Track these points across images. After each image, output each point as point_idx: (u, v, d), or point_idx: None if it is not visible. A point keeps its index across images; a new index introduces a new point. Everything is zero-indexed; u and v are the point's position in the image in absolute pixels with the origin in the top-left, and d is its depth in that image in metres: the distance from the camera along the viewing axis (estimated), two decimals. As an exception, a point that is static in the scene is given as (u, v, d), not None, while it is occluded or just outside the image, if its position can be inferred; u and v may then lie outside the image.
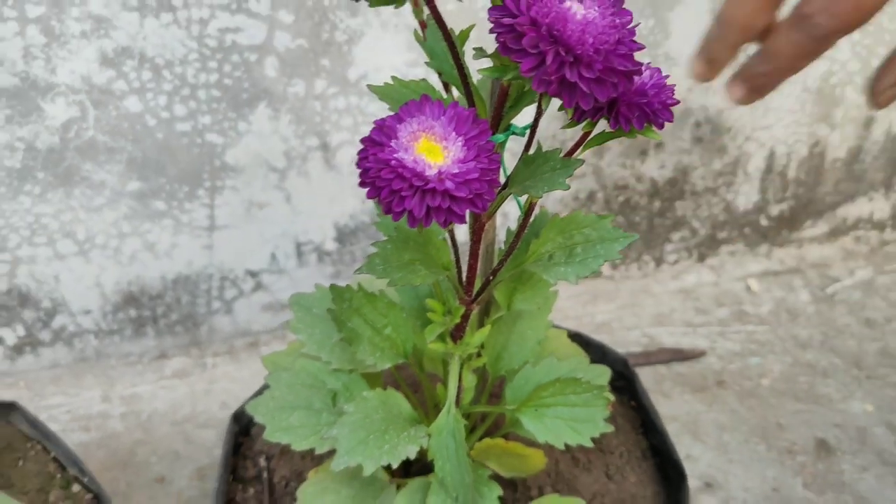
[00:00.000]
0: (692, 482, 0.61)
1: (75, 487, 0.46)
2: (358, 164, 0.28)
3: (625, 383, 0.51)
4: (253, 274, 0.70)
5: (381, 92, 0.31)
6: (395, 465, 0.36)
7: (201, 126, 0.61)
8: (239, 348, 0.73)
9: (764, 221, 0.83)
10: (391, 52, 0.62)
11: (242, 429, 0.49)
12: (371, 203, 0.69)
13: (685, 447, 0.63)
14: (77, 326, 0.68)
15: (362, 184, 0.28)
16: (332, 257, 0.71)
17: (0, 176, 0.59)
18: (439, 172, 0.27)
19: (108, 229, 0.64)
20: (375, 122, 0.29)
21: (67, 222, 0.63)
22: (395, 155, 0.27)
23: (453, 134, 0.28)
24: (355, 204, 0.69)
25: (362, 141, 0.28)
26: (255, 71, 0.60)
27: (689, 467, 0.58)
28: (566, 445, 0.48)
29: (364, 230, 0.71)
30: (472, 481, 0.36)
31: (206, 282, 0.69)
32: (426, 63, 0.32)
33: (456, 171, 0.27)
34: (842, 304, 0.79)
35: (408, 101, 0.29)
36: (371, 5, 0.32)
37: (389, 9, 0.56)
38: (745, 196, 0.80)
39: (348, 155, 0.66)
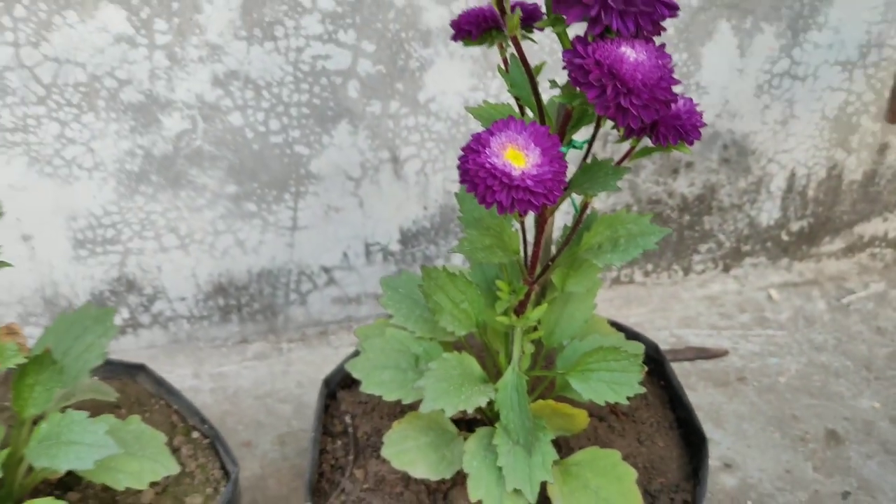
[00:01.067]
0: (713, 462, 0.69)
1: (195, 434, 0.55)
2: (459, 166, 0.37)
3: (655, 366, 0.60)
4: (326, 270, 0.79)
5: (476, 112, 0.40)
6: (469, 411, 0.44)
7: (291, 139, 0.71)
8: (310, 336, 0.82)
9: (785, 237, 0.90)
10: (456, 78, 0.71)
11: (330, 393, 0.58)
12: (431, 211, 0.79)
13: (707, 432, 0.71)
14: (173, 312, 0.78)
15: (462, 181, 0.37)
16: (395, 257, 0.80)
17: (121, 178, 0.70)
18: (522, 173, 0.36)
19: (206, 227, 0.74)
20: (472, 135, 0.38)
21: (172, 220, 0.73)
22: (489, 160, 0.36)
23: (532, 145, 0.37)
24: (418, 211, 0.78)
25: (463, 149, 0.37)
26: (339, 92, 0.70)
27: (710, 450, 0.66)
28: (603, 416, 0.57)
29: (424, 234, 0.80)
30: (531, 427, 0.45)
31: (285, 276, 0.79)
32: (508, 90, 0.42)
33: (535, 172, 0.36)
34: (855, 314, 0.87)
35: (496, 120, 0.38)
36: (465, 45, 0.42)
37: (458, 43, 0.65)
38: (768, 213, 0.88)
39: (414, 167, 0.75)
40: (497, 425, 0.46)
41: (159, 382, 0.57)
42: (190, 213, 0.73)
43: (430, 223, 0.79)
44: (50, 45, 0.62)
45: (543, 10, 0.40)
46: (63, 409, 0.44)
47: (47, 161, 0.67)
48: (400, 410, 0.57)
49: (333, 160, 0.73)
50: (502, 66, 0.42)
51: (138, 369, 0.58)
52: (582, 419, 0.50)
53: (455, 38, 0.42)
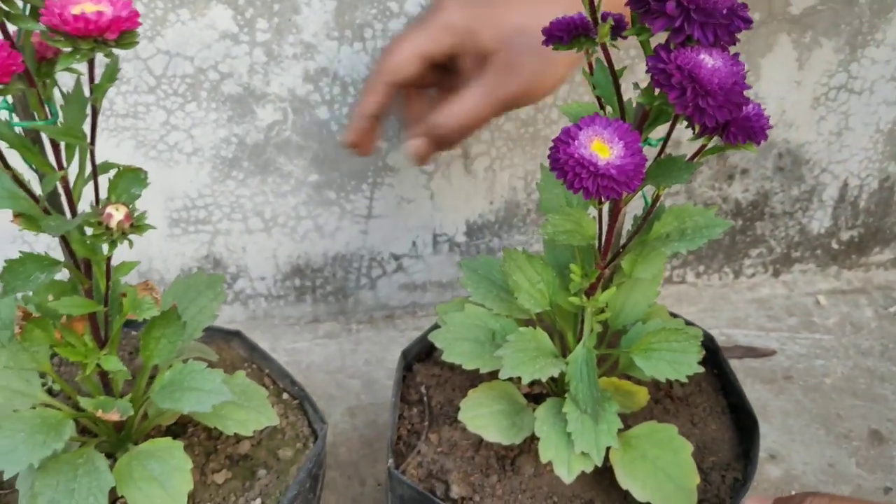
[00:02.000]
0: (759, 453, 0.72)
1: (284, 396, 0.61)
2: (551, 156, 0.42)
3: (709, 354, 0.63)
4: (396, 257, 0.85)
5: (566, 109, 0.45)
6: (543, 380, 0.49)
7: (371, 133, 0.77)
8: (378, 319, 0.87)
9: (835, 245, 0.93)
10: (528, 81, 0.76)
11: (407, 365, 0.63)
12: (496, 205, 0.83)
13: (754, 426, 0.75)
14: (253, 290, 0.84)
15: (552, 168, 0.42)
16: (460, 248, 0.85)
17: (216, 163, 0.76)
18: (607, 163, 0.41)
19: (289, 211, 0.80)
20: (563, 129, 0.42)
21: (259, 203, 0.79)
22: (578, 150, 0.41)
23: (616, 139, 0.42)
24: (484, 205, 0.83)
25: (554, 140, 0.42)
26: (419, 91, 0.75)
27: (757, 438, 0.70)
28: (659, 399, 0.61)
29: (488, 227, 0.85)
30: (599, 398, 0.49)
31: (357, 261, 0.84)
32: (592, 91, 0.46)
33: (618, 163, 0.41)
34: (902, 322, 0.89)
35: (584, 116, 0.42)
36: (554, 49, 0.47)
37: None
38: (819, 221, 0.91)
39: (483, 163, 0.80)
40: (567, 396, 0.50)
41: (252, 348, 0.63)
42: (275, 198, 0.79)
43: (495, 217, 0.84)
44: (163, 39, 0.69)
45: (627, 20, 0.45)
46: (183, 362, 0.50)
47: (152, 145, 0.74)
48: (470, 385, 0.61)
49: (409, 154, 0.78)
50: (586, 70, 0.47)
51: (234, 335, 0.64)
52: (643, 396, 0.54)
53: (546, 42, 0.46)
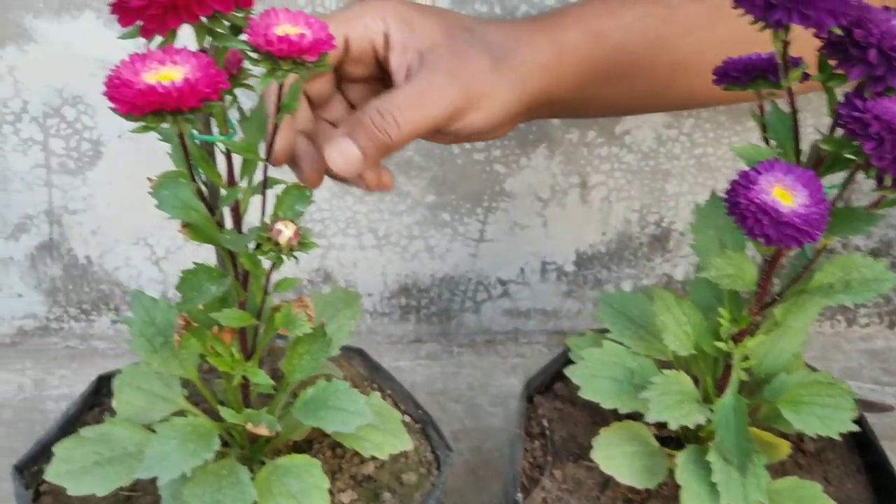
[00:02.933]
0: None
1: (406, 418, 0.60)
2: (728, 199, 0.41)
3: (843, 409, 0.61)
4: (502, 282, 0.84)
5: (740, 151, 0.44)
6: (691, 426, 0.48)
7: (492, 157, 0.76)
8: (479, 343, 0.87)
9: (957, 299, 0.89)
10: (654, 114, 0.75)
11: (528, 396, 0.62)
12: (608, 237, 0.82)
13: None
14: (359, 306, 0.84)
15: (730, 213, 0.41)
16: (568, 277, 0.84)
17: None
18: (791, 211, 0.40)
19: (402, 230, 0.80)
20: (739, 172, 0.41)
21: (374, 221, 0.79)
22: (759, 196, 0.40)
23: (799, 186, 0.40)
24: (596, 236, 0.82)
25: (732, 183, 0.41)
26: (544, 119, 0.74)
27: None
28: (793, 455, 0.59)
29: (599, 258, 0.84)
30: (748, 449, 0.48)
31: (464, 284, 0.84)
32: (763, 135, 0.45)
33: (802, 212, 0.40)
34: None
35: (761, 160, 0.41)
36: (725, 89, 0.46)
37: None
38: (943, 273, 0.87)
39: (600, 194, 0.79)
40: (710, 444, 0.49)
41: (375, 367, 0.63)
42: (391, 217, 0.79)
43: (606, 248, 0.83)
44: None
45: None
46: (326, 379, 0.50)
47: (278, 158, 0.75)
48: (592, 422, 0.60)
49: (527, 180, 0.78)
50: (756, 112, 0.46)
51: (355, 353, 0.64)
52: (784, 449, 0.52)
53: (718, 82, 0.45)
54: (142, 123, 0.35)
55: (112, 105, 0.35)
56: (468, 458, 0.74)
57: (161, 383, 0.52)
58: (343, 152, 0.47)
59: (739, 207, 0.40)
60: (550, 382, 0.64)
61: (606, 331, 0.59)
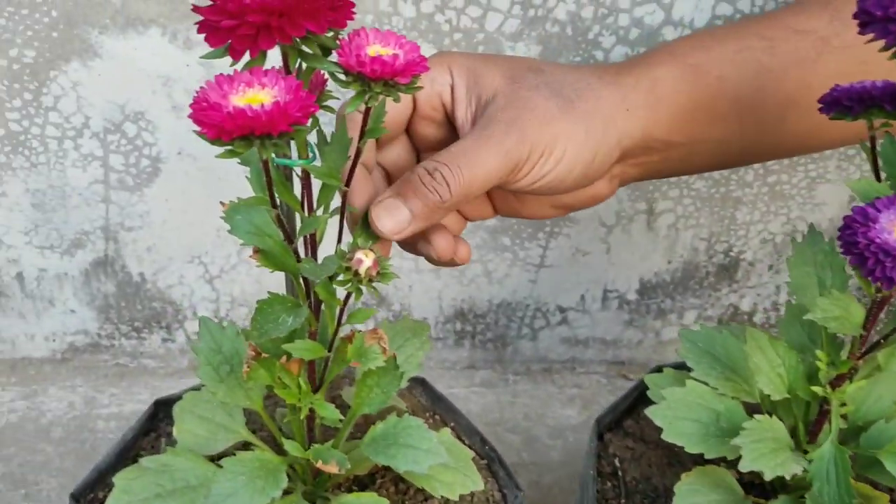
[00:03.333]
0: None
1: (471, 454, 0.58)
2: (843, 238, 0.38)
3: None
4: (562, 310, 0.81)
5: (855, 186, 0.41)
6: (787, 477, 0.45)
7: (556, 181, 0.74)
8: (535, 371, 0.84)
9: None
10: (728, 139, 0.72)
11: (598, 434, 0.59)
12: (674, 265, 0.79)
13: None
14: (413, 329, 0.82)
15: (846, 253, 0.38)
16: (630, 306, 0.81)
17: (396, 200, 0.75)
18: (915, 253, 0.37)
19: (461, 254, 0.78)
20: (854, 207, 0.38)
21: (432, 244, 0.77)
22: (881, 235, 0.37)
23: (922, 225, 0.37)
24: (661, 263, 0.79)
25: (847, 220, 0.38)
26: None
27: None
28: None
29: (663, 287, 0.81)
30: (849, 503, 0.44)
31: (522, 310, 0.81)
32: (873, 169, 0.42)
33: (927, 254, 0.37)
34: None
35: (879, 197, 0.38)
36: (833, 118, 0.43)
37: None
38: None
39: (667, 221, 0.76)
40: (807, 495, 0.46)
41: (437, 398, 0.60)
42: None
43: (671, 277, 0.80)
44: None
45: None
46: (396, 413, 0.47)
47: (338, 178, 0.73)
48: (667, 462, 0.57)
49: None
50: (867, 144, 0.43)
51: (417, 382, 0.62)
52: (883, 503, 0.49)
53: (826, 110, 0.43)
54: (227, 148, 0.33)
55: (198, 129, 0.33)
56: (528, 493, 0.71)
57: (224, 412, 0.50)
58: (391, 213, 0.43)
59: (858, 247, 0.37)
60: (620, 419, 0.61)
61: (683, 366, 0.56)
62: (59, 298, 0.79)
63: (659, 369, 0.58)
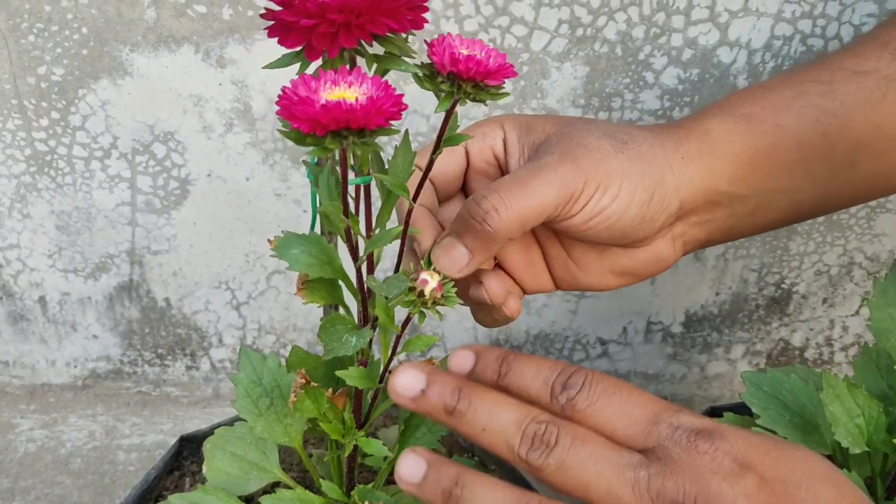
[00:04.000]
0: None
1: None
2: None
3: None
4: (602, 342, 0.78)
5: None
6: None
7: (600, 208, 0.71)
8: (573, 406, 0.80)
9: None
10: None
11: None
12: (722, 297, 0.75)
13: None
14: (446, 360, 0.79)
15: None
16: (674, 339, 0.78)
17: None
18: None
19: (498, 283, 0.74)
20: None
21: (469, 272, 0.74)
22: None
23: None
24: (709, 295, 0.75)
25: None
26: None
27: None
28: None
29: (709, 320, 0.77)
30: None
31: (560, 342, 0.78)
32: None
33: None
34: None
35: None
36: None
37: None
38: None
39: (716, 251, 0.73)
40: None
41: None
42: (486, 268, 0.74)
43: (718, 310, 0.76)
44: (404, 95, 0.65)
45: None
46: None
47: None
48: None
49: (637, 234, 0.72)
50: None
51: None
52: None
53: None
54: (317, 146, 0.31)
55: (287, 126, 0.31)
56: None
57: (257, 450, 0.47)
58: (448, 252, 0.41)
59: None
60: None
61: (742, 408, 0.52)
62: (82, 323, 0.76)
63: (716, 413, 0.54)
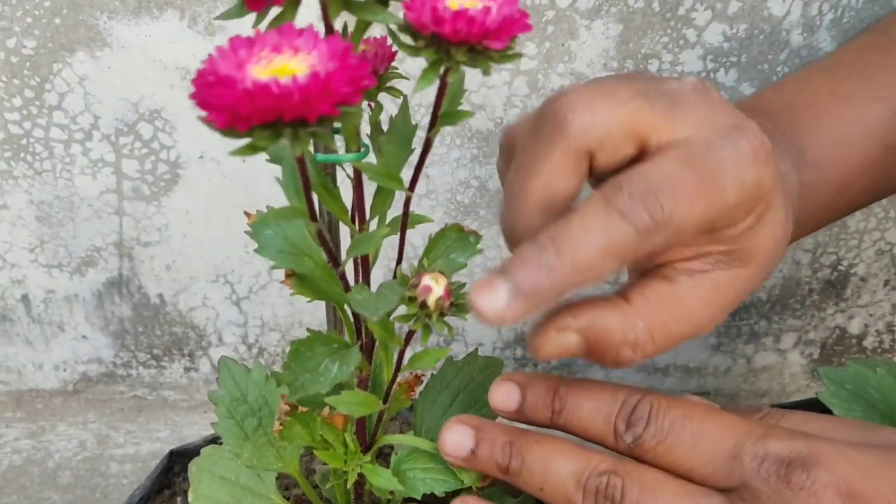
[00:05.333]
0: None
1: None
2: None
3: None
4: (639, 333, 0.71)
5: None
6: None
7: (636, 185, 0.63)
8: (607, 404, 0.73)
9: None
10: (841, 133, 0.61)
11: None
12: (771, 282, 0.68)
13: None
14: (467, 356, 0.72)
15: None
16: (718, 329, 0.70)
17: (449, 209, 0.65)
18: None
19: (523, 270, 0.67)
20: None
21: (491, 259, 0.67)
22: None
23: None
24: (756, 279, 0.68)
25: None
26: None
27: None
28: None
29: (757, 307, 0.70)
30: None
31: (592, 333, 0.71)
32: None
33: None
34: None
35: None
36: None
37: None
38: None
39: (765, 230, 0.65)
40: None
41: (508, 447, 0.50)
42: (509, 254, 0.67)
43: (767, 295, 0.69)
44: (401, 64, 0.58)
45: None
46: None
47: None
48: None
49: (676, 213, 0.65)
50: None
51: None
52: None
53: None
54: (247, 141, 0.24)
55: (203, 114, 0.23)
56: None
57: (250, 472, 0.40)
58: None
59: None
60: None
61: (813, 406, 0.45)
62: (70, 323, 0.70)
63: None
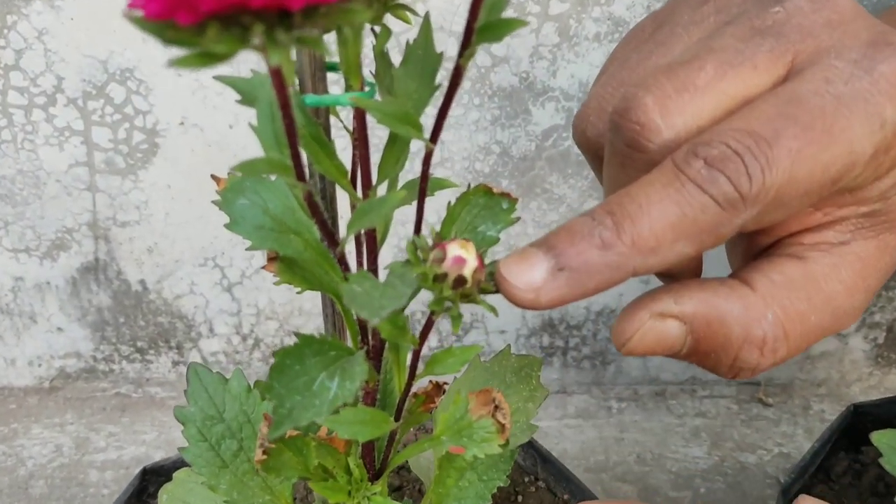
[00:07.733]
0: None
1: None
2: None
3: None
4: (681, 317, 0.63)
5: None
6: None
7: (681, 148, 0.55)
8: (644, 395, 0.66)
9: None
10: None
11: (785, 491, 0.41)
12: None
13: None
14: (487, 346, 0.64)
15: None
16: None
17: (467, 177, 0.57)
18: None
19: (551, 248, 0.60)
20: None
21: (514, 234, 0.59)
22: None
23: None
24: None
25: None
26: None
27: None
28: None
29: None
30: None
31: (628, 318, 0.63)
32: None
33: None
34: None
35: None
36: None
37: None
38: None
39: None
40: None
41: (544, 458, 0.43)
42: (536, 230, 0.59)
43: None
44: (424, 5, 0.50)
45: None
46: None
47: (390, 151, 0.55)
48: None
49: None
50: None
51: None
52: None
53: None
54: (196, 50, 0.16)
55: (133, 10, 0.15)
56: (654, 570, 0.53)
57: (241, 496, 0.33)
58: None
59: None
60: (810, 483, 0.42)
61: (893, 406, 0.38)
62: (42, 314, 0.62)
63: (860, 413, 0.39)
